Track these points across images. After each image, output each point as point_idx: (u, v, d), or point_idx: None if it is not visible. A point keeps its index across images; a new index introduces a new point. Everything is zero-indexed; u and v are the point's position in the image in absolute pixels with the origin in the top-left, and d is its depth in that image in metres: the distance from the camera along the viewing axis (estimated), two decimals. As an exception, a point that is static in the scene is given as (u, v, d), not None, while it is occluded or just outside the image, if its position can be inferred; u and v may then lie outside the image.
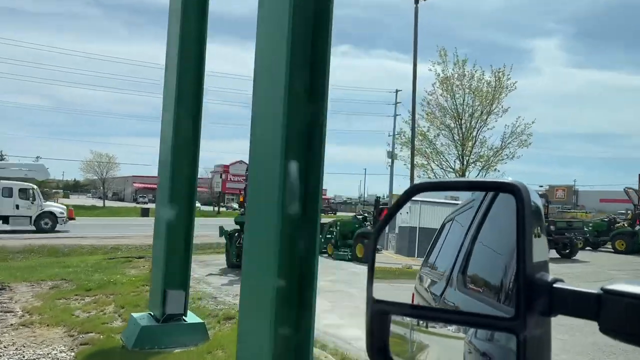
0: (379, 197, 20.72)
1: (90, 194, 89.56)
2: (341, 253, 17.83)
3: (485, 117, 25.60)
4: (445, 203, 1.04)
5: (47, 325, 7.87)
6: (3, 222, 27.54)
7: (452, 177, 23.58)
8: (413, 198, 0.87)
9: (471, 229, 0.93)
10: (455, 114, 25.63)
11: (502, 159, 25.44)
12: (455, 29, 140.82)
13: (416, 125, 26.33)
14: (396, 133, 30.92)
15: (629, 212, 27.67)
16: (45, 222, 28.13)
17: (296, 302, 4.21)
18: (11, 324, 7.95)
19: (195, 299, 9.79)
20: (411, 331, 0.92)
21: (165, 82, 7.63)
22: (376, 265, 0.89)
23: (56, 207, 30.04)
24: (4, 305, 9.27)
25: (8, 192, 27.48)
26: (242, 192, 16.74)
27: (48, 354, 6.59)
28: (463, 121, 25.67)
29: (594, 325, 0.68)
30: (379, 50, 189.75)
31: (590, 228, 24.67)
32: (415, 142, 26.02)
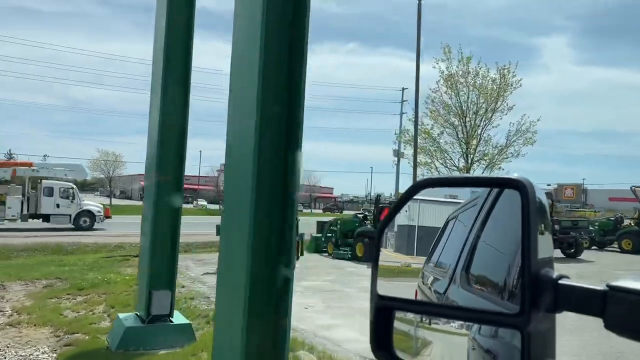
0: (380, 196, 20.47)
1: (98, 192, 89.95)
2: (341, 252, 17.65)
3: (490, 115, 25.33)
4: (444, 201, 1.03)
5: (35, 326, 7.77)
6: (43, 220, 28.45)
7: (456, 174, 23.33)
8: (417, 195, 0.88)
9: (475, 227, 0.92)
10: (459, 112, 25.38)
11: (507, 157, 25.16)
12: (463, 27, 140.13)
13: (421, 123, 26.12)
14: (400, 131, 30.60)
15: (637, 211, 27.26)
16: (84, 221, 29.01)
17: (272, 302, 4.06)
18: (-2, 324, 7.87)
19: (187, 299, 9.68)
20: (416, 328, 0.91)
21: (152, 77, 7.50)
22: None
23: (94, 206, 30.98)
24: (-5, 304, 9.20)
25: (49, 192, 28.50)
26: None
27: (30, 355, 6.48)
28: (467, 119, 25.41)
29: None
30: (386, 48, 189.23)
31: (596, 227, 24.30)
32: (420, 140, 25.80)
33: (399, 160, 35.15)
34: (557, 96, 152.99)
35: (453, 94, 25.36)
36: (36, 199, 28.41)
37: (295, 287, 12.82)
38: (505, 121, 25.33)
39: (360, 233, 17.20)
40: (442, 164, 25.86)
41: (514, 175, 0.77)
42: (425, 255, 1.02)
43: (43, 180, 29.01)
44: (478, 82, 25.11)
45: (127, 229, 27.45)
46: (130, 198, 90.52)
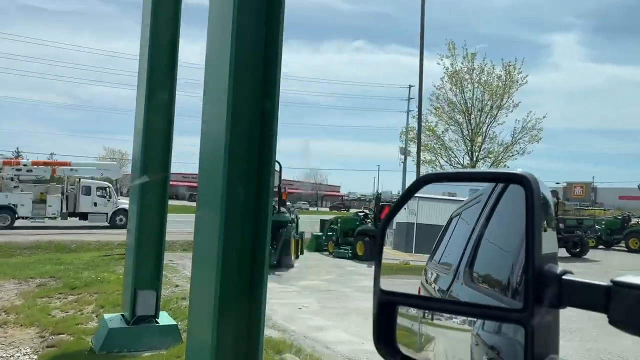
0: (380, 194, 20.23)
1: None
2: (342, 251, 17.45)
3: (495, 112, 25.04)
4: (441, 199, 1.02)
5: (21, 326, 7.65)
6: (80, 219, 28.96)
7: (459, 170, 23.09)
8: (420, 190, 0.88)
9: (479, 223, 0.92)
10: (464, 109, 25.11)
11: (512, 155, 24.86)
12: (473, 25, 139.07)
13: (425, 121, 25.87)
14: (407, 129, 30.35)
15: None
16: (120, 219, 29.13)
17: (246, 297, 3.94)
18: (-15, 324, 7.76)
19: (179, 299, 9.52)
20: (420, 324, 0.91)
21: (139, 74, 7.34)
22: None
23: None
24: (-15, 303, 9.11)
25: (87, 190, 29.03)
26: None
27: (11, 356, 6.36)
28: (472, 116, 25.14)
29: None
30: (393, 46, 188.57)
31: (603, 226, 23.93)
32: (424, 138, 25.55)
33: (405, 159, 34.95)
34: (567, 94, 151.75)
35: (458, 90, 25.11)
36: (75, 197, 28.92)
37: (292, 286, 12.68)
38: (511, 118, 25.05)
39: (360, 232, 16.98)
40: (446, 161, 25.64)
41: (518, 170, 0.76)
42: (423, 253, 1.02)
43: (81, 180, 29.63)
44: (483, 78, 24.84)
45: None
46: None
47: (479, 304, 0.82)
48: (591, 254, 20.39)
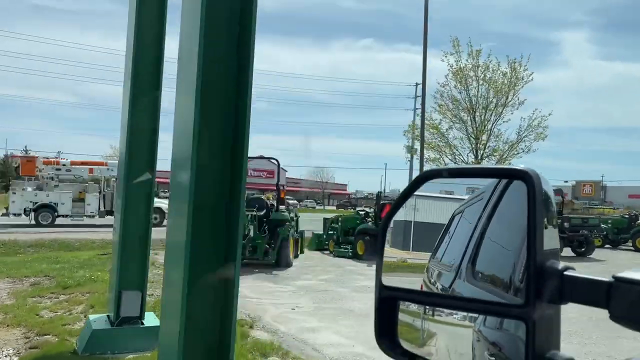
0: (380, 192, 20.01)
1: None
2: (342, 250, 17.26)
3: (500, 110, 24.77)
4: (439, 197, 1.03)
5: (7, 326, 7.55)
6: None
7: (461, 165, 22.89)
8: (422, 186, 0.89)
9: (481, 221, 0.91)
10: (469, 106, 24.85)
11: (518, 153, 24.59)
12: (482, 22, 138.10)
13: (429, 119, 25.63)
14: (410, 127, 30.12)
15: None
16: (155, 217, 29.42)
17: (221, 293, 3.84)
18: (-29, 324, 7.67)
19: (171, 299, 9.40)
20: (422, 320, 0.91)
21: (124, 72, 7.23)
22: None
23: (163, 203, 31.42)
24: (-25, 303, 9.03)
25: None
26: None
27: (-8, 357, 6.25)
28: (477, 113, 24.88)
29: None
30: (401, 44, 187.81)
31: (609, 225, 23.55)
32: (428, 136, 25.31)
33: (412, 157, 34.75)
34: (575, 92, 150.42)
35: (462, 88, 24.86)
36: (111, 196, 28.93)
37: (288, 286, 12.48)
38: (517, 116, 24.78)
39: (361, 231, 16.77)
40: (451, 159, 25.40)
41: (520, 166, 0.76)
42: (421, 251, 1.03)
43: (117, 179, 29.96)
44: (488, 75, 24.56)
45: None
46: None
47: (481, 300, 0.82)
48: (597, 253, 20.06)
